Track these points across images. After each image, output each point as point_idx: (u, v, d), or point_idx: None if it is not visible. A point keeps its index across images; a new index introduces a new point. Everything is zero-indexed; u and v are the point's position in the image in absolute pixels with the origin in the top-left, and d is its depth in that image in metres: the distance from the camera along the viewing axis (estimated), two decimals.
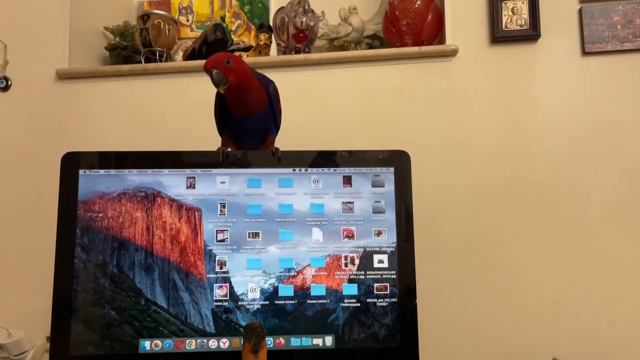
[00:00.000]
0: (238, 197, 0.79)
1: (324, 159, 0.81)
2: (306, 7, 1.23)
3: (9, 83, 1.30)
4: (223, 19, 1.45)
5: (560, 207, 1.11)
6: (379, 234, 0.80)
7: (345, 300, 0.77)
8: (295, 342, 0.76)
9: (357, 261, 0.79)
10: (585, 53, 1.14)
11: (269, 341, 0.75)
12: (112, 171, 0.79)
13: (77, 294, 0.75)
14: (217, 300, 0.76)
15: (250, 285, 0.77)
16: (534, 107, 1.15)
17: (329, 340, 0.76)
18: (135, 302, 0.75)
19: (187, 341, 0.75)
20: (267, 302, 0.77)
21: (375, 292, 0.78)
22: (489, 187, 1.14)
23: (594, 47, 1.13)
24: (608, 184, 1.11)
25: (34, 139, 1.27)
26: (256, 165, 0.81)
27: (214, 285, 0.76)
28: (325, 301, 0.77)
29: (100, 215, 0.77)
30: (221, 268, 0.77)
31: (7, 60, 1.30)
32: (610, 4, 1.13)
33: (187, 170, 0.79)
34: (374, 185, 0.81)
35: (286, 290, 0.77)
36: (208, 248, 0.77)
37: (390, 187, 0.81)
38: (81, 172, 0.78)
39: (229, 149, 0.82)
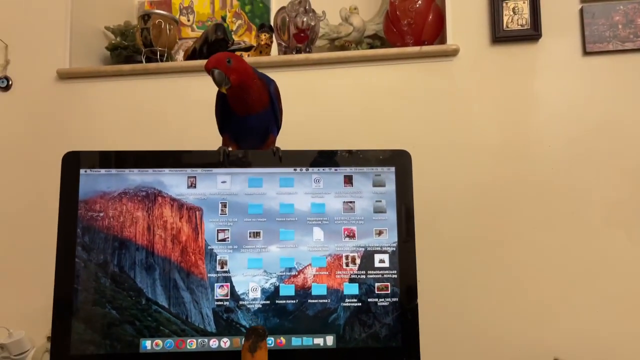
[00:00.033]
0: (239, 196, 0.79)
1: (325, 159, 0.81)
2: (307, 7, 1.23)
3: (10, 83, 1.30)
4: (224, 18, 1.45)
5: (561, 206, 1.11)
6: (380, 233, 0.79)
7: (346, 300, 0.77)
8: (296, 341, 0.76)
9: (358, 261, 0.79)
10: (586, 53, 1.14)
11: (270, 341, 0.75)
12: (113, 170, 0.78)
13: (77, 293, 0.75)
14: (218, 300, 0.76)
15: (251, 284, 0.77)
16: (535, 106, 1.15)
17: (330, 340, 0.76)
18: (136, 301, 0.75)
19: (188, 341, 0.75)
20: (268, 302, 0.77)
21: (376, 292, 0.78)
22: (490, 187, 1.14)
23: (595, 46, 1.13)
24: (609, 184, 1.11)
25: (34, 138, 1.27)
26: (257, 165, 0.81)
27: (215, 284, 0.76)
28: (326, 301, 0.77)
29: (101, 214, 0.77)
30: (222, 267, 0.77)
31: (8, 60, 1.30)
32: (611, 3, 1.13)
33: (188, 170, 0.79)
34: (375, 185, 0.81)
35: (287, 289, 0.77)
36: (209, 247, 0.77)
37: (391, 186, 0.81)
38: (82, 171, 0.78)
39: (230, 149, 0.82)
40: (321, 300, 0.77)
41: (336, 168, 0.81)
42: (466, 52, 1.18)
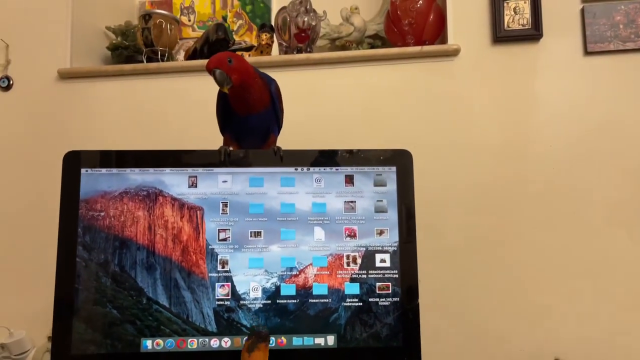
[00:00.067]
0: (240, 196, 0.79)
1: (326, 158, 0.81)
2: (308, 7, 1.23)
3: (11, 82, 1.30)
4: (225, 18, 1.46)
5: (562, 206, 1.11)
6: (381, 233, 0.79)
7: (347, 300, 0.77)
8: (297, 341, 0.76)
9: (359, 260, 0.78)
10: (587, 53, 1.14)
11: (271, 340, 0.75)
12: (114, 170, 0.78)
13: (78, 293, 0.75)
14: (219, 300, 0.76)
15: (252, 284, 0.77)
16: (536, 106, 1.15)
17: (330, 340, 0.76)
18: (137, 301, 0.75)
19: (189, 340, 0.75)
20: (269, 302, 0.77)
21: (377, 292, 0.78)
22: (491, 187, 1.14)
23: (596, 46, 1.13)
24: (610, 184, 1.10)
25: (35, 138, 1.28)
26: (258, 164, 0.80)
27: (216, 284, 0.76)
28: (327, 300, 0.77)
29: (102, 214, 0.77)
30: (223, 267, 0.77)
31: (9, 60, 1.30)
32: (612, 3, 1.13)
33: (189, 169, 0.79)
34: (376, 185, 0.81)
35: (288, 289, 0.77)
36: (210, 247, 0.77)
37: (392, 186, 0.81)
38: (83, 171, 0.78)
39: (231, 148, 0.82)
40: (322, 300, 0.77)
41: (337, 168, 0.81)
42: (467, 52, 1.18)
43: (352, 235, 0.79)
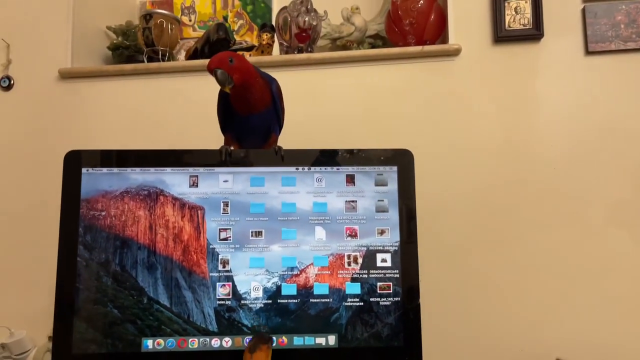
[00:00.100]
0: (241, 195, 0.79)
1: (327, 158, 0.81)
2: (309, 7, 1.23)
3: (12, 82, 1.30)
4: (225, 18, 1.45)
5: (563, 207, 1.11)
6: (382, 232, 0.79)
7: (348, 299, 0.77)
8: (298, 341, 0.76)
9: (360, 260, 0.78)
10: (588, 52, 1.14)
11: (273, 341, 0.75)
12: (115, 169, 0.78)
13: (79, 292, 0.75)
14: (219, 299, 0.76)
15: (253, 284, 0.77)
16: (537, 106, 1.15)
17: (331, 340, 0.76)
18: (137, 300, 0.75)
19: (190, 340, 0.75)
20: (270, 301, 0.76)
21: (378, 291, 0.78)
22: (492, 187, 1.14)
23: (597, 46, 1.13)
24: (611, 184, 1.10)
25: (36, 138, 1.27)
26: (259, 164, 0.80)
27: (217, 283, 0.76)
28: (328, 300, 0.77)
29: (103, 213, 0.77)
30: (224, 267, 0.77)
31: (10, 60, 1.30)
32: (613, 3, 1.13)
33: (190, 169, 0.79)
34: (377, 184, 0.81)
35: (289, 289, 0.77)
36: (211, 247, 0.77)
37: (393, 186, 0.81)
38: (84, 170, 0.78)
39: (232, 148, 0.82)
40: (323, 300, 0.77)
41: (338, 167, 0.81)
42: (468, 52, 1.18)
43: (353, 235, 0.79)
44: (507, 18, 1.16)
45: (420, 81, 1.19)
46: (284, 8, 1.26)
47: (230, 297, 0.76)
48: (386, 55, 1.20)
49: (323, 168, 0.81)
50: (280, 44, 1.28)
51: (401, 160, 0.82)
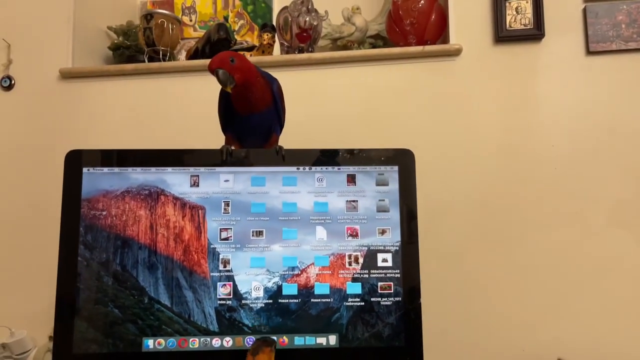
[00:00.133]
0: (242, 195, 0.79)
1: (328, 158, 0.81)
2: (309, 7, 1.23)
3: (13, 82, 1.30)
4: (226, 18, 1.46)
5: (565, 206, 1.11)
6: (383, 232, 0.79)
7: (349, 299, 0.77)
8: (299, 341, 0.76)
9: (361, 260, 0.78)
10: (589, 52, 1.13)
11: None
12: (116, 169, 0.78)
13: (80, 292, 0.75)
14: (220, 299, 0.76)
15: (254, 283, 0.77)
16: (538, 106, 1.15)
17: (332, 339, 0.76)
18: (138, 300, 0.75)
19: (191, 340, 0.75)
20: (270, 301, 0.76)
21: (379, 291, 0.78)
22: (493, 187, 1.14)
23: (598, 46, 1.13)
24: (613, 184, 1.10)
25: (37, 137, 1.28)
26: (260, 164, 0.80)
27: (218, 283, 0.76)
28: (329, 300, 0.77)
29: (104, 213, 0.77)
30: (225, 266, 0.77)
31: (11, 60, 1.30)
32: (614, 3, 1.13)
33: (191, 169, 0.79)
34: (378, 184, 0.81)
35: (290, 289, 0.77)
36: (212, 246, 0.77)
37: (394, 185, 0.81)
38: (85, 170, 0.78)
39: (233, 148, 0.82)
40: (324, 300, 0.77)
41: (339, 167, 0.81)
42: (469, 52, 1.18)
43: (354, 234, 0.79)
44: (508, 18, 1.16)
45: (421, 81, 1.19)
46: (285, 8, 1.26)
47: (231, 296, 0.76)
48: (387, 56, 1.20)
49: (324, 168, 0.81)
50: (281, 44, 1.28)
51: (402, 160, 0.81)
